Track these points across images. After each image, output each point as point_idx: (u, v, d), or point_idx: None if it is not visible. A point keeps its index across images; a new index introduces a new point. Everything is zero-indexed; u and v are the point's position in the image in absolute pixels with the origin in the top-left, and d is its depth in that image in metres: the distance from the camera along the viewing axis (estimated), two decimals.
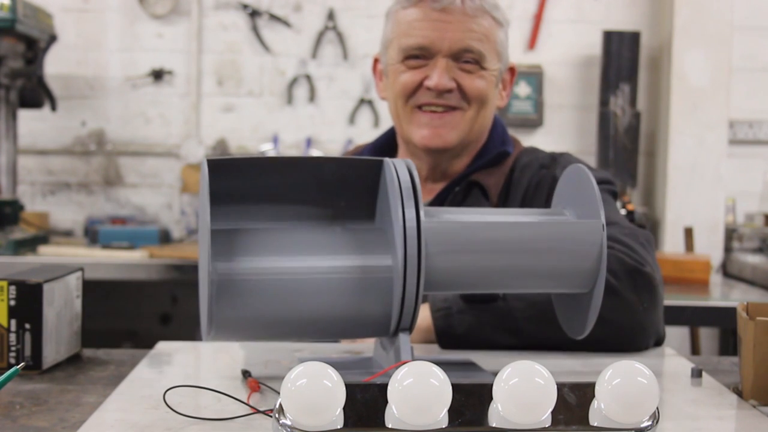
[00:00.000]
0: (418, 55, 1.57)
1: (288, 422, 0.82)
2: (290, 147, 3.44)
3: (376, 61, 1.69)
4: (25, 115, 3.17)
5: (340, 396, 0.82)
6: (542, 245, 1.11)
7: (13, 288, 1.16)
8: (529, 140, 3.41)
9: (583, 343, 1.22)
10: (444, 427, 0.84)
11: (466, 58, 1.56)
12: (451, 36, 1.55)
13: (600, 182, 1.17)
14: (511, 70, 1.68)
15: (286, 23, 3.42)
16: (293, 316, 1.08)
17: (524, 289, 1.20)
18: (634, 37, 3.30)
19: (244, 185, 1.13)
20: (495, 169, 1.62)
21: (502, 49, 1.60)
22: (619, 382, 0.84)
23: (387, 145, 1.69)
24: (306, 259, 1.07)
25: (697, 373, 1.19)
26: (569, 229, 1.13)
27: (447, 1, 1.55)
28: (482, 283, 1.14)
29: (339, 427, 0.83)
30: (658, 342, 1.41)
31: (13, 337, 1.16)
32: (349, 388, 0.84)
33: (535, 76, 3.39)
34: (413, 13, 1.57)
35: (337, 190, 1.15)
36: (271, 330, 1.10)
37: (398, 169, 1.10)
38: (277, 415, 0.83)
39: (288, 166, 1.15)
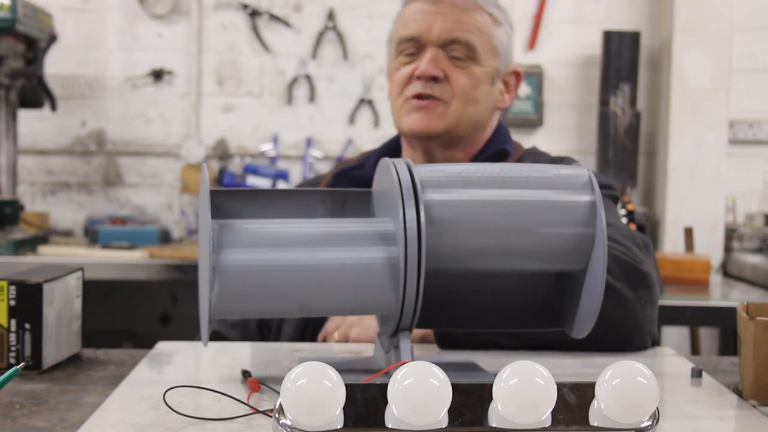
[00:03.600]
0: (411, 48, 1.59)
1: (288, 422, 0.82)
2: (290, 147, 3.44)
3: None
4: (25, 115, 3.17)
5: (340, 396, 0.82)
6: (531, 214, 1.11)
7: (13, 288, 1.16)
8: (529, 140, 3.40)
9: (581, 343, 1.21)
10: (444, 427, 0.84)
11: (456, 50, 1.58)
12: (440, 26, 1.57)
13: (600, 186, 1.17)
14: (516, 74, 1.67)
15: (286, 23, 3.42)
16: (293, 309, 1.09)
17: (521, 266, 1.16)
18: (634, 37, 3.30)
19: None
20: None
21: (500, 46, 1.61)
22: (619, 382, 0.84)
23: (393, 150, 1.69)
24: (306, 251, 1.07)
25: (697, 373, 1.19)
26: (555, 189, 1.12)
27: None
28: (474, 261, 1.13)
29: (339, 427, 0.83)
30: (652, 344, 1.41)
31: (13, 337, 1.16)
32: (349, 388, 0.84)
33: (535, 76, 3.39)
34: (410, 8, 1.61)
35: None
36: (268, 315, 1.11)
37: (398, 168, 1.10)
38: (277, 415, 0.83)
39: (286, 198, 1.20)
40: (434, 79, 1.57)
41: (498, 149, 1.64)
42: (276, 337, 1.57)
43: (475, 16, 1.58)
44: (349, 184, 1.61)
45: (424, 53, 1.58)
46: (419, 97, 1.58)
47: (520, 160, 1.65)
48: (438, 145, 1.62)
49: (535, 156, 1.67)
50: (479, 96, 1.60)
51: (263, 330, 1.61)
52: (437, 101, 1.58)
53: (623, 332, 1.34)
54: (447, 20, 1.57)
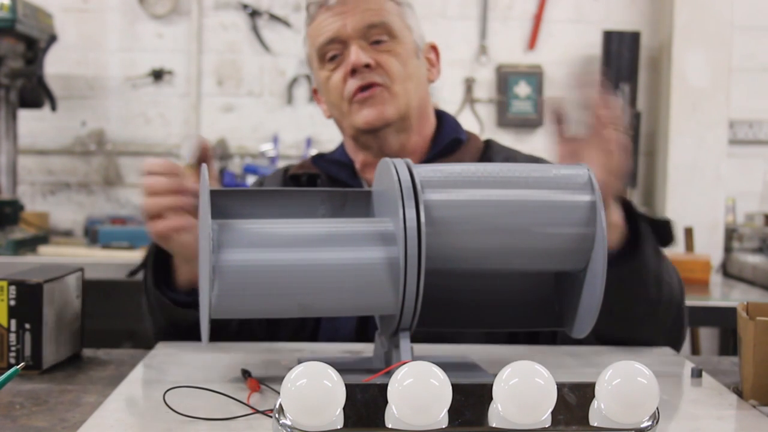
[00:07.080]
0: (334, 54, 1.60)
1: (288, 422, 0.82)
2: (290, 147, 3.44)
3: (315, 91, 1.72)
4: (25, 115, 3.17)
5: (340, 396, 0.82)
6: (533, 214, 1.11)
7: (13, 288, 1.16)
8: (529, 140, 3.41)
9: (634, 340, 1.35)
10: (444, 427, 0.84)
11: (375, 34, 1.59)
12: (352, 17, 1.58)
13: None
14: (434, 48, 1.70)
15: (286, 23, 3.42)
16: (293, 308, 1.09)
17: (521, 266, 1.16)
18: (634, 37, 3.30)
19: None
20: (453, 156, 1.63)
21: (411, 23, 1.64)
22: (619, 382, 0.84)
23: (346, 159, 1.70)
24: (306, 251, 1.07)
25: (697, 373, 1.19)
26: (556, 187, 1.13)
27: None
28: (474, 261, 1.12)
29: (339, 427, 0.83)
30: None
31: (13, 337, 1.16)
32: (349, 388, 0.84)
33: (535, 76, 3.39)
34: (318, 19, 1.62)
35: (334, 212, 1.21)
36: (268, 315, 1.11)
37: (398, 168, 1.10)
38: (277, 415, 0.83)
39: (286, 198, 1.20)
40: (367, 67, 1.57)
41: (453, 138, 1.65)
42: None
43: (380, 2, 1.61)
44: (326, 165, 1.66)
45: (348, 50, 1.59)
46: (362, 89, 1.58)
47: (484, 152, 1.65)
48: (393, 131, 1.61)
49: (507, 151, 1.67)
50: (413, 71, 1.62)
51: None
52: (380, 87, 1.58)
53: (678, 333, 1.43)
54: (356, 10, 1.59)
